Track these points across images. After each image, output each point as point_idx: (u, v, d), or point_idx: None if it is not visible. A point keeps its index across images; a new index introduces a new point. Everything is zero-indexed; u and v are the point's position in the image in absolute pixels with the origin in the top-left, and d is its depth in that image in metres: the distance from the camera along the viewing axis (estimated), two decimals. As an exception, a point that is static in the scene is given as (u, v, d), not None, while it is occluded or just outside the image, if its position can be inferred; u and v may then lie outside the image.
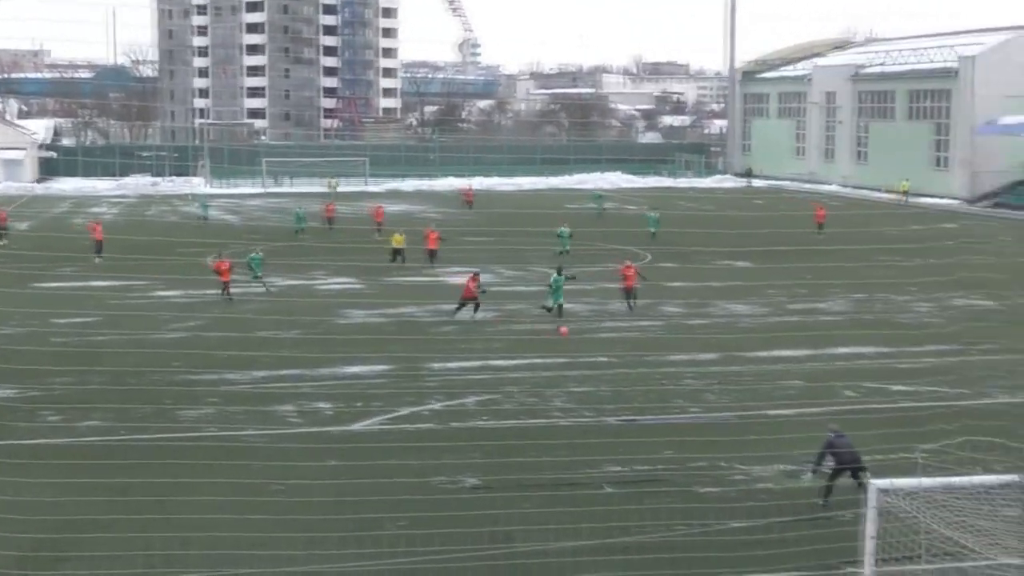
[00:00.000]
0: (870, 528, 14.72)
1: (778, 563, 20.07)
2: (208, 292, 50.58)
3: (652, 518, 21.98)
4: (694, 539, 21.45)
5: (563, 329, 39.58)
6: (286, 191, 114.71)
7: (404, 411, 31.64)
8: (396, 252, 59.86)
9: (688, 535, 21.60)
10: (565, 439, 28.26)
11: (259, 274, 52.16)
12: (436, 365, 37.20)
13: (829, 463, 23.57)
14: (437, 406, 32.24)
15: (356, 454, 26.83)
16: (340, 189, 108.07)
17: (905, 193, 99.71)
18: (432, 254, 60.05)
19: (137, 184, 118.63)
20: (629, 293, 46.75)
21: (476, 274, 45.92)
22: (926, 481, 15.09)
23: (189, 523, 21.97)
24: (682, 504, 22.95)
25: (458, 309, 44.38)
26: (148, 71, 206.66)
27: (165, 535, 21.64)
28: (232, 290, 49.57)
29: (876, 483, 15.01)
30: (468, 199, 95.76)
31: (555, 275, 44.76)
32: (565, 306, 44.37)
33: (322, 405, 32.42)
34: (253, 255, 53.10)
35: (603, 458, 26.76)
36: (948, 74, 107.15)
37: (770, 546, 20.58)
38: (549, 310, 43.84)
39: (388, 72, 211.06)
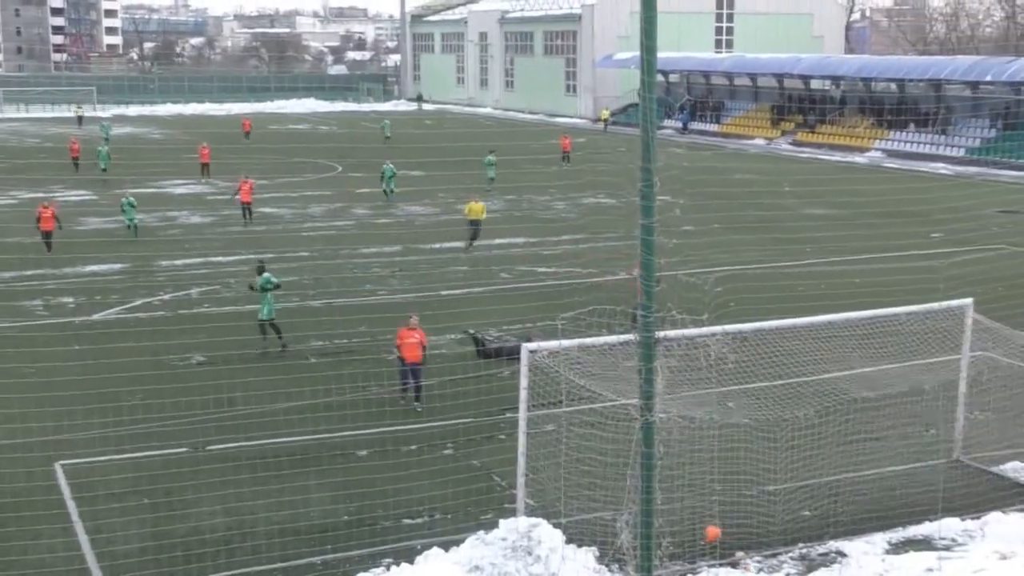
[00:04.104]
0: (523, 381, 15.12)
1: (454, 411, 20.41)
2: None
3: (350, 381, 21.97)
4: (383, 397, 21.59)
5: (712, 530, 15.58)
6: (23, 116, 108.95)
7: (138, 302, 30.71)
8: (473, 226, 39.29)
9: (379, 394, 21.71)
10: (276, 320, 27.87)
11: (132, 220, 40.98)
12: (165, 263, 36.13)
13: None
14: (167, 297, 31.40)
15: (97, 339, 25.77)
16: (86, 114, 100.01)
17: (605, 121, 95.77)
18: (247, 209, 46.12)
19: None
20: None
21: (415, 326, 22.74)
22: (565, 342, 15.55)
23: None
24: (374, 369, 23.01)
25: (403, 386, 22.45)
26: None
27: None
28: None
29: (526, 345, 15.39)
30: (246, 129, 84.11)
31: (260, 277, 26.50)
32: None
33: (66, 299, 31.11)
34: (125, 199, 41.79)
35: (308, 334, 26.53)
36: (574, 19, 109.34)
37: (447, 399, 20.90)
38: (264, 332, 26.30)
39: (110, 13, 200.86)
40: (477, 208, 39.52)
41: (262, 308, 25.94)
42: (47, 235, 37.83)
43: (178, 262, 36.20)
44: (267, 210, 47.12)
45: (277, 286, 26.16)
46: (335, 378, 22.39)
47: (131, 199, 41.84)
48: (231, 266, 35.52)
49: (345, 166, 63.62)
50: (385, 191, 51.17)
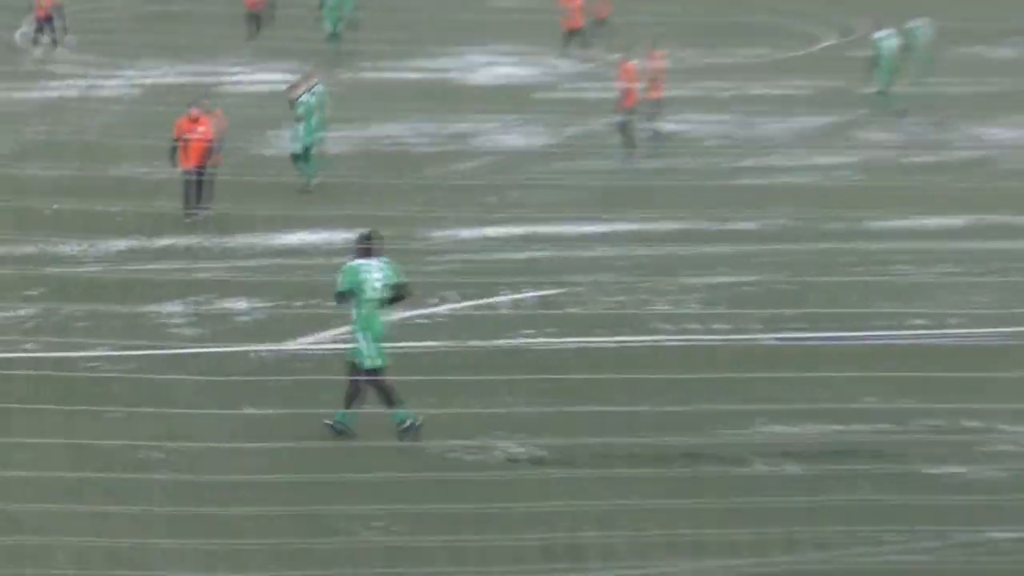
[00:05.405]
0: None
1: None
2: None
3: (844, 521, 21.72)
4: (926, 560, 21.25)
5: None
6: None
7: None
8: None
9: (911, 552, 21.43)
10: (680, 372, 27.64)
11: (311, 139, 42.85)
12: (442, 233, 37.40)
13: None
14: (445, 308, 32.41)
15: (298, 395, 26.85)
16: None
17: None
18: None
19: None
20: None
21: None
22: None
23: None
24: (900, 496, 22.71)
25: None
26: None
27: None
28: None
29: None
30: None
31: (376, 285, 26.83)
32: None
33: (233, 304, 32.58)
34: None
35: (751, 408, 26.55)
36: None
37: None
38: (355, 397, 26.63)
39: None
40: None
41: (363, 333, 26.18)
42: (197, 174, 39.13)
43: (468, 233, 37.28)
44: (679, 124, 47.87)
45: (400, 293, 26.59)
46: (812, 511, 22.16)
47: (318, 93, 42.83)
48: (586, 244, 36.49)
49: (845, 33, 63.74)
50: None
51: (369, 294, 25.94)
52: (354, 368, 26.01)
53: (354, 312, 26.04)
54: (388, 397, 25.93)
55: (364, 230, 27.58)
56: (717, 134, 47.34)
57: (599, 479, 23.93)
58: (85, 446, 24.11)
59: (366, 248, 26.67)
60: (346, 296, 26.10)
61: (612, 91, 46.15)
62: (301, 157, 41.29)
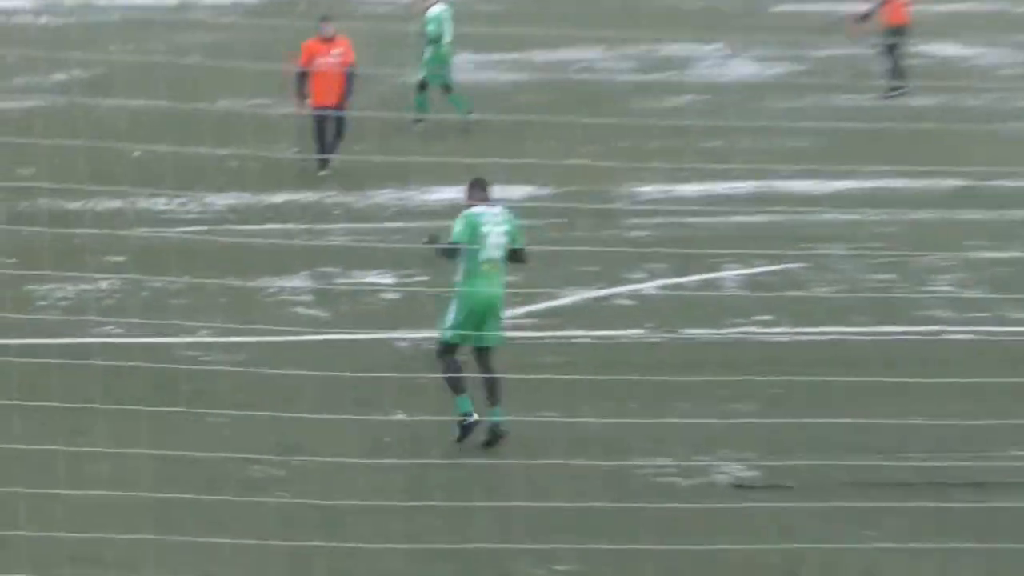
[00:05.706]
0: None
1: None
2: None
3: None
4: None
5: None
6: None
7: (567, 297, 32.03)
8: None
9: None
10: (965, 374, 27.13)
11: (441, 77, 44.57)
12: (649, 188, 37.31)
13: None
14: (652, 286, 32.21)
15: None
16: None
17: None
18: None
19: None
20: None
21: None
22: None
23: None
24: None
25: None
26: None
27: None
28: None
29: None
30: None
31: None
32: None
33: (373, 278, 32.54)
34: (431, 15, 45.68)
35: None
36: None
37: None
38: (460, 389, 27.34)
39: None
40: None
41: (464, 299, 26.57)
42: (334, 109, 39.71)
43: (683, 189, 37.47)
44: (960, 49, 47.34)
45: (518, 258, 26.99)
46: None
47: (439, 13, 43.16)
48: (839, 201, 36.37)
49: None
50: None
51: (488, 252, 26.32)
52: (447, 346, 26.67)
53: (460, 272, 26.45)
54: (491, 391, 26.41)
55: (479, 179, 27.84)
56: (1013, 63, 46.85)
57: (858, 512, 23.85)
58: (180, 459, 23.64)
59: (482, 195, 26.95)
60: (456, 251, 26.33)
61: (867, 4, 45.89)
62: (444, 88, 41.25)
